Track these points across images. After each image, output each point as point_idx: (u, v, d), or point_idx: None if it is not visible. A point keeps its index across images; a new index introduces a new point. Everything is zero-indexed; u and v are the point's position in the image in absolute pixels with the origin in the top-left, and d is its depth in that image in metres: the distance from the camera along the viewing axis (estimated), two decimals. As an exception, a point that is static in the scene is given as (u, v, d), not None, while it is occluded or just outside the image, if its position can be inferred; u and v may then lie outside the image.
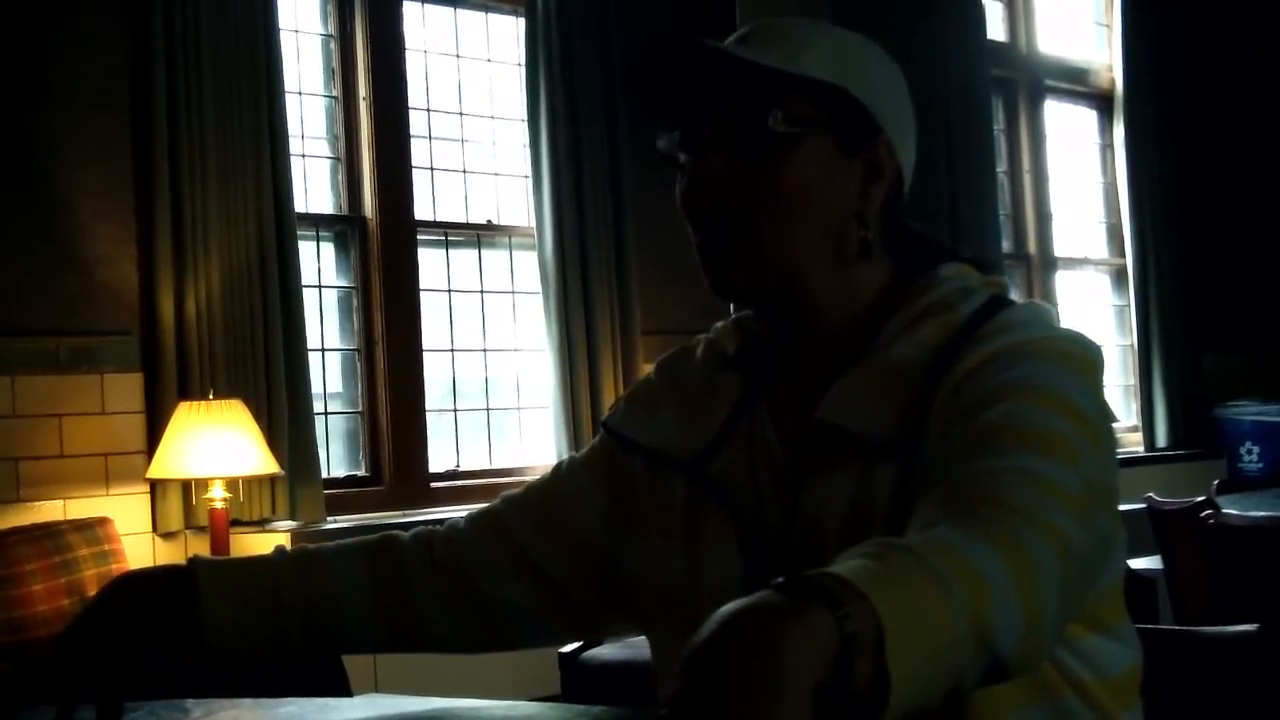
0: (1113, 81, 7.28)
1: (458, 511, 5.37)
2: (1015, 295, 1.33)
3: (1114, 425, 1.23)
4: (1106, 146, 7.38)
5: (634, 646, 2.04)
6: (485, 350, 5.19)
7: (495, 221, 5.23)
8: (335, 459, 4.73)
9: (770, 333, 1.35)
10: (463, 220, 5.16)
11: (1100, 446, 1.17)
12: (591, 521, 1.43)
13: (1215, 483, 4.62)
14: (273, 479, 4.18)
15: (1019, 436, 1.10)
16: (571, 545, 1.43)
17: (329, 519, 4.39)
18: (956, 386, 1.19)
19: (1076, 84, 7.27)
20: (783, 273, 1.28)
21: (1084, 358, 1.22)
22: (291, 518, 4.30)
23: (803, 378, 1.31)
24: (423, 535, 1.48)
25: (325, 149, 4.84)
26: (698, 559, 1.32)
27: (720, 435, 1.34)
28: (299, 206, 4.50)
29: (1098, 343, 1.26)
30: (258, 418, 4.02)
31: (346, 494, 4.63)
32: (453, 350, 5.10)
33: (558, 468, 1.49)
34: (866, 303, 1.31)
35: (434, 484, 4.88)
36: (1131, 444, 7.04)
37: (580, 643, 2.11)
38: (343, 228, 4.83)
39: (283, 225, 4.34)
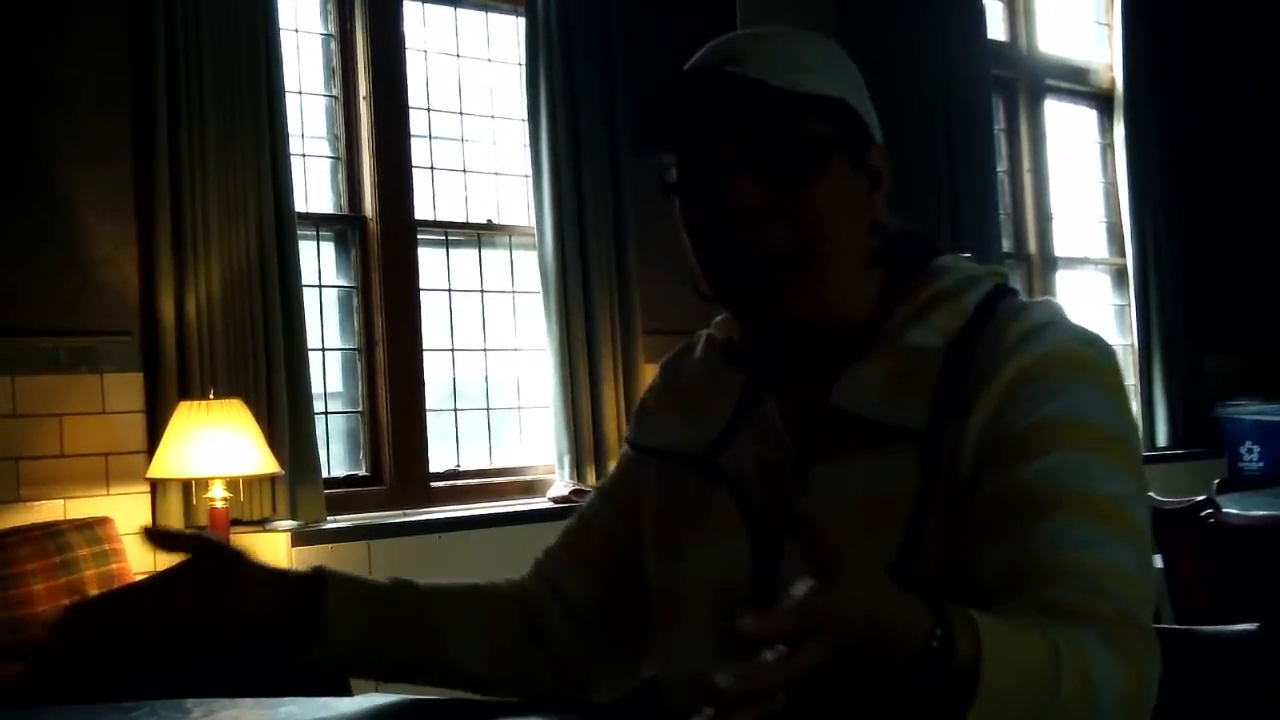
0: (1113, 81, 7.28)
1: (458, 512, 5.28)
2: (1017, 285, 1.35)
3: (1138, 434, 1.28)
4: (1107, 146, 7.38)
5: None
6: (485, 350, 5.19)
7: (495, 221, 5.23)
8: (335, 459, 4.73)
9: (778, 332, 1.35)
10: (463, 220, 5.16)
11: (1138, 469, 1.23)
12: (612, 545, 1.46)
13: (1215, 482, 4.61)
14: (273, 479, 4.18)
15: (1079, 504, 1.16)
16: (602, 574, 1.47)
17: (329, 519, 4.38)
18: (999, 405, 1.21)
19: (1077, 83, 7.27)
20: (830, 295, 1.28)
21: (1110, 369, 1.26)
22: (292, 517, 4.30)
23: (810, 369, 1.32)
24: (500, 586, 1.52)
25: (325, 148, 4.84)
26: (707, 549, 1.33)
27: (728, 428, 1.35)
28: (299, 206, 4.50)
29: (1108, 341, 1.30)
30: (258, 417, 4.02)
31: (347, 494, 4.63)
32: (453, 350, 5.10)
33: (579, 508, 1.53)
34: (871, 299, 1.32)
35: (434, 484, 4.88)
36: (1132, 443, 7.04)
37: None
38: (343, 227, 4.83)
39: (283, 225, 4.33)
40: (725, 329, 1.42)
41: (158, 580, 1.35)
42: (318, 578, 1.40)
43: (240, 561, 1.36)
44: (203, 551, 1.36)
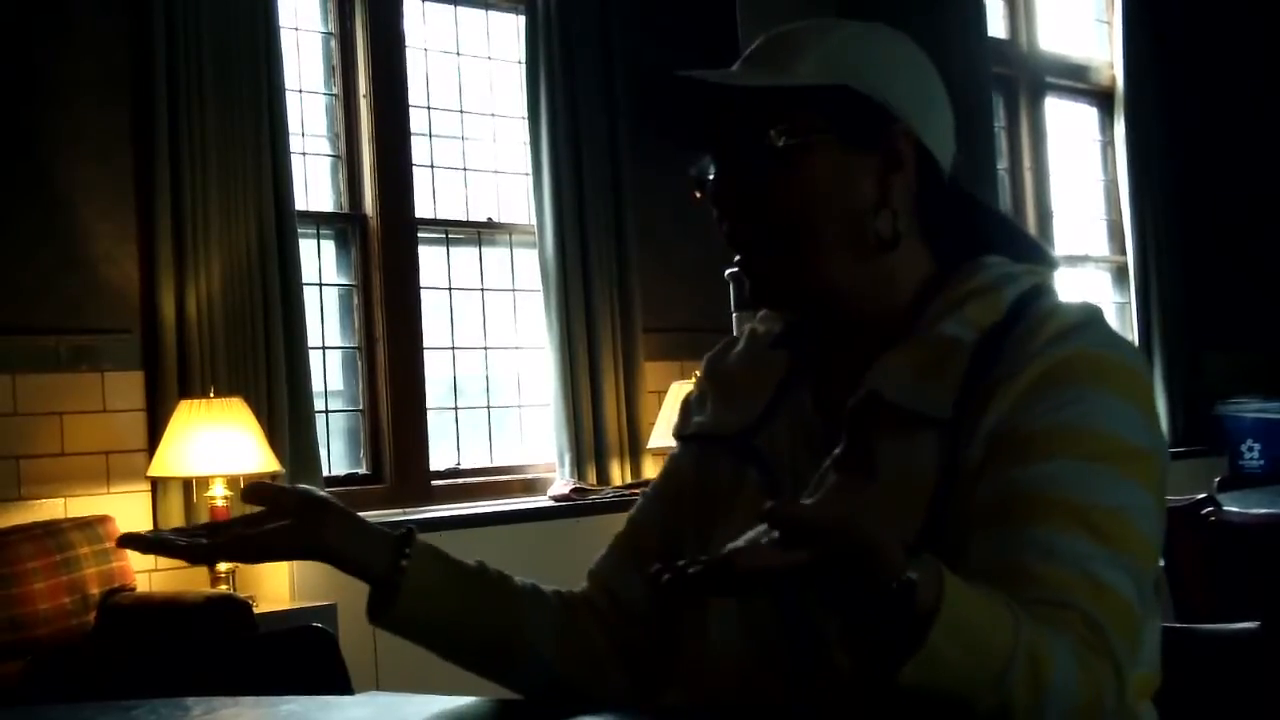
0: (1113, 79, 7.27)
1: (458, 510, 5.25)
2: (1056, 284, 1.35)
3: (1166, 446, 1.26)
4: (1107, 144, 7.37)
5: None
6: (486, 348, 5.19)
7: (496, 219, 5.23)
8: (336, 457, 4.73)
9: (813, 321, 1.38)
10: (463, 218, 5.16)
11: (1155, 482, 1.21)
12: (663, 543, 1.45)
13: (1216, 480, 4.61)
14: (273, 477, 4.18)
15: (1073, 515, 1.15)
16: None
17: (330, 517, 4.38)
18: (1015, 403, 1.21)
19: (1077, 81, 7.27)
20: (810, 278, 1.31)
21: (1136, 376, 1.24)
22: (292, 515, 4.29)
23: (847, 356, 1.33)
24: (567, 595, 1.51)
25: (326, 147, 4.84)
26: (734, 529, 1.33)
27: (765, 412, 1.38)
28: (299, 204, 4.50)
29: (1138, 350, 1.29)
30: (258, 416, 4.02)
31: (347, 492, 4.62)
32: (453, 348, 5.10)
33: (629, 513, 1.52)
34: (909, 289, 1.33)
35: (435, 482, 4.88)
36: (1132, 441, 7.03)
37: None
38: (343, 225, 4.83)
39: (283, 223, 4.34)
40: (768, 321, 1.44)
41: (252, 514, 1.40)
42: (403, 538, 1.41)
43: (330, 505, 1.42)
44: (295, 494, 1.42)
